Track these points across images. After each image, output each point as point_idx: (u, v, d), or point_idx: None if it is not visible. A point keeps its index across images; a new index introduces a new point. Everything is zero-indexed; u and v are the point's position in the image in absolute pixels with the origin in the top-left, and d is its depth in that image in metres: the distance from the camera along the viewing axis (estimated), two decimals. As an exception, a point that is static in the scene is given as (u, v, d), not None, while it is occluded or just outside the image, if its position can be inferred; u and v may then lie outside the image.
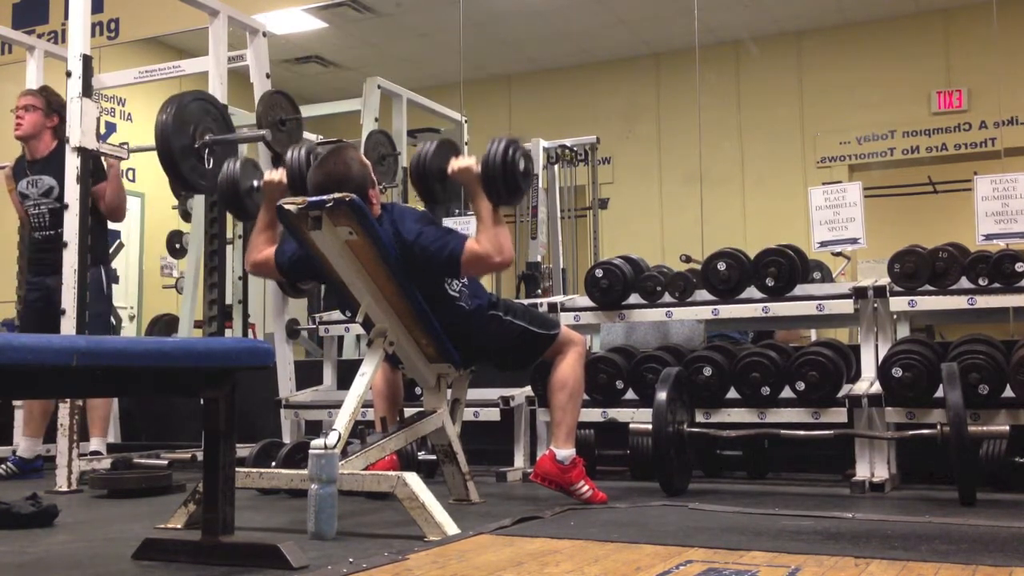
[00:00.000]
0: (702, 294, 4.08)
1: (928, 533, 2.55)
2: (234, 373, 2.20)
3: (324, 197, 2.75)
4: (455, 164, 3.11)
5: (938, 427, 3.29)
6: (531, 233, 6.89)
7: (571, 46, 9.02)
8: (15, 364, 1.72)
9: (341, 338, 5.18)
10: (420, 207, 3.34)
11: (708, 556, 2.21)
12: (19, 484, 3.96)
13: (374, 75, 6.11)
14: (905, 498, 3.37)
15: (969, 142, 7.89)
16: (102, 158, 4.32)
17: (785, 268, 3.91)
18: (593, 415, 4.00)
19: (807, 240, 4.41)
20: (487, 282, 7.09)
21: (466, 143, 6.58)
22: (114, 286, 4.89)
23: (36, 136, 4.49)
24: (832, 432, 3.50)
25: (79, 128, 3.86)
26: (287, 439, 4.34)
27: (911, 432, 3.43)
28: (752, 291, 4.00)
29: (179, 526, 2.69)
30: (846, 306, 3.79)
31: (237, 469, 2.34)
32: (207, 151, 4.01)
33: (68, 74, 3.87)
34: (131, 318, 8.18)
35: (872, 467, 3.57)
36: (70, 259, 3.83)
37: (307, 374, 4.87)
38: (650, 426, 3.45)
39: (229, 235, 4.76)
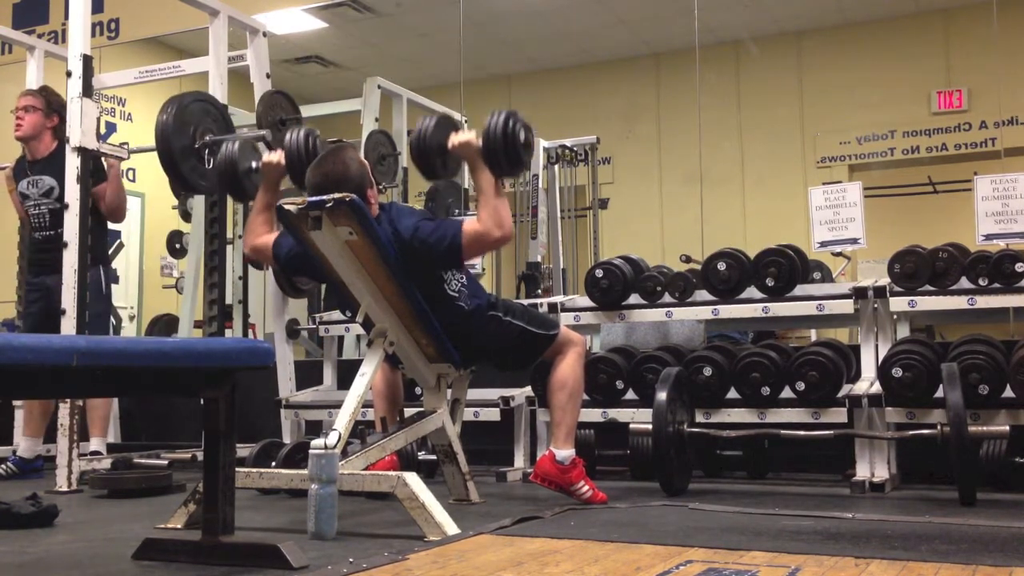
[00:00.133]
0: (702, 294, 4.08)
1: (928, 533, 2.55)
2: (234, 373, 2.20)
3: (324, 197, 2.75)
4: (455, 139, 3.10)
5: (938, 427, 3.29)
6: (531, 233, 6.90)
7: (571, 46, 9.02)
8: (15, 364, 1.72)
9: (341, 338, 5.18)
10: (420, 207, 3.34)
11: (708, 556, 2.21)
12: (19, 484, 3.96)
13: (374, 75, 6.11)
14: (905, 498, 3.37)
15: (969, 142, 7.89)
16: (102, 158, 4.32)
17: (785, 268, 3.91)
18: (593, 415, 3.99)
19: (807, 240, 4.42)
20: (487, 282, 7.11)
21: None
22: (114, 286, 4.89)
23: (36, 137, 4.49)
24: (832, 432, 3.50)
25: (79, 128, 3.86)
26: (287, 439, 4.34)
27: (911, 432, 3.43)
28: (752, 291, 4.00)
29: (179, 526, 2.69)
30: (846, 306, 3.79)
31: (237, 469, 2.34)
32: (207, 151, 4.01)
33: (68, 74, 3.87)
34: (131, 318, 8.18)
35: (872, 467, 3.57)
36: (70, 259, 3.83)
37: (307, 374, 4.87)
38: (650, 426, 3.45)
39: (229, 235, 4.76)
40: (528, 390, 4.12)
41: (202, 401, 2.21)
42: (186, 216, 6.20)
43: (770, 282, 3.92)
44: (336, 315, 4.64)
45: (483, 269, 6.13)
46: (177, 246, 6.69)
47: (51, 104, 4.48)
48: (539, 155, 7.02)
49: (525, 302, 4.12)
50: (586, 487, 3.21)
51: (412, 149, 3.17)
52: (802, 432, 3.53)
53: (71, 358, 1.80)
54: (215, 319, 4.44)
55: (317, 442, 2.60)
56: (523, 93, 9.24)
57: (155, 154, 3.99)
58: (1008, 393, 3.41)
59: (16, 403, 4.83)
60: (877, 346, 3.75)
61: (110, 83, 5.20)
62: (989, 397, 3.41)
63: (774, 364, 3.71)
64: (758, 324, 5.05)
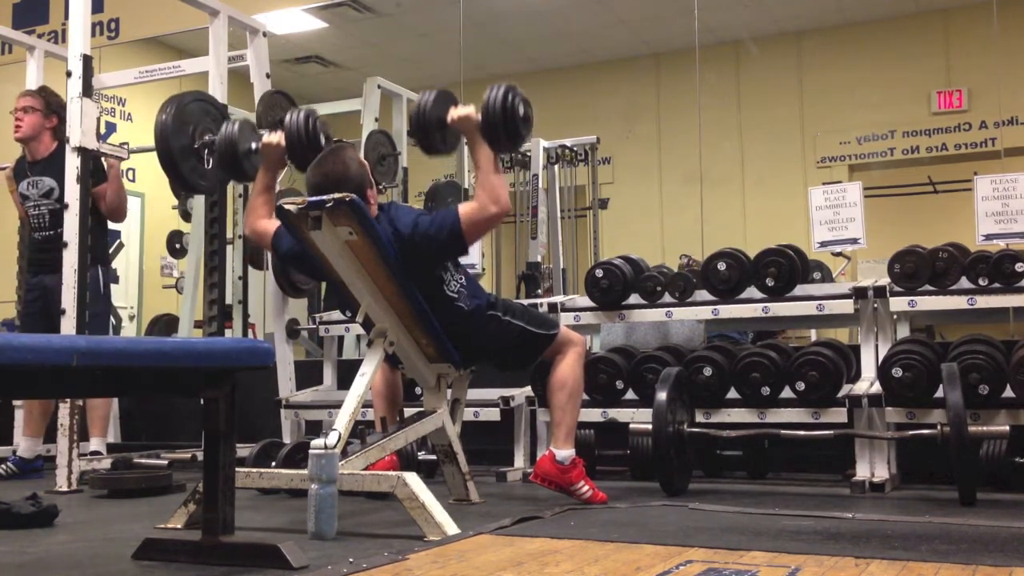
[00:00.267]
0: (702, 294, 4.08)
1: (928, 533, 2.55)
2: (234, 373, 2.20)
3: (324, 197, 2.75)
4: (455, 112, 3.09)
5: (938, 427, 3.29)
6: (531, 233, 6.90)
7: (571, 46, 9.02)
8: (15, 364, 1.72)
9: (341, 338, 5.18)
10: (420, 207, 3.34)
11: (708, 556, 2.21)
12: (19, 484, 3.96)
13: (374, 75, 6.11)
14: (905, 498, 3.37)
15: (969, 142, 7.89)
16: (102, 159, 4.32)
17: (785, 268, 3.91)
18: (593, 415, 3.99)
19: (807, 240, 4.41)
20: (487, 282, 7.11)
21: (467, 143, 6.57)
22: (114, 286, 4.89)
23: (36, 137, 4.49)
24: (832, 432, 3.50)
25: (79, 128, 3.86)
26: (287, 439, 4.34)
27: (911, 432, 3.43)
28: (752, 291, 4.00)
29: (179, 526, 2.69)
30: (846, 306, 3.79)
31: (237, 469, 2.34)
32: (207, 151, 4.01)
33: (68, 74, 3.87)
34: (131, 318, 8.18)
35: (872, 467, 3.57)
36: (70, 259, 3.83)
37: (307, 374, 4.87)
38: (650, 426, 3.45)
39: (229, 235, 4.76)
40: (528, 390, 4.12)
41: (202, 401, 2.21)
42: (186, 216, 6.20)
43: (770, 282, 3.92)
44: (336, 315, 4.64)
45: (483, 269, 6.13)
46: (177, 246, 6.69)
47: (50, 105, 4.48)
48: (539, 155, 7.02)
49: (525, 302, 4.12)
50: (586, 487, 3.21)
51: (412, 123, 3.14)
52: (802, 432, 3.53)
53: (71, 358, 1.80)
54: (215, 319, 4.44)
55: (317, 442, 2.60)
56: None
57: (155, 154, 3.99)
58: (1008, 393, 3.41)
59: (16, 403, 4.83)
60: (877, 346, 3.75)
61: (110, 83, 5.20)
62: (989, 397, 3.41)
63: (774, 364, 3.71)
64: (758, 324, 5.05)
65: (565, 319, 4.17)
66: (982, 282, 3.63)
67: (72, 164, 3.87)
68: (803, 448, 3.86)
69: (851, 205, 4.27)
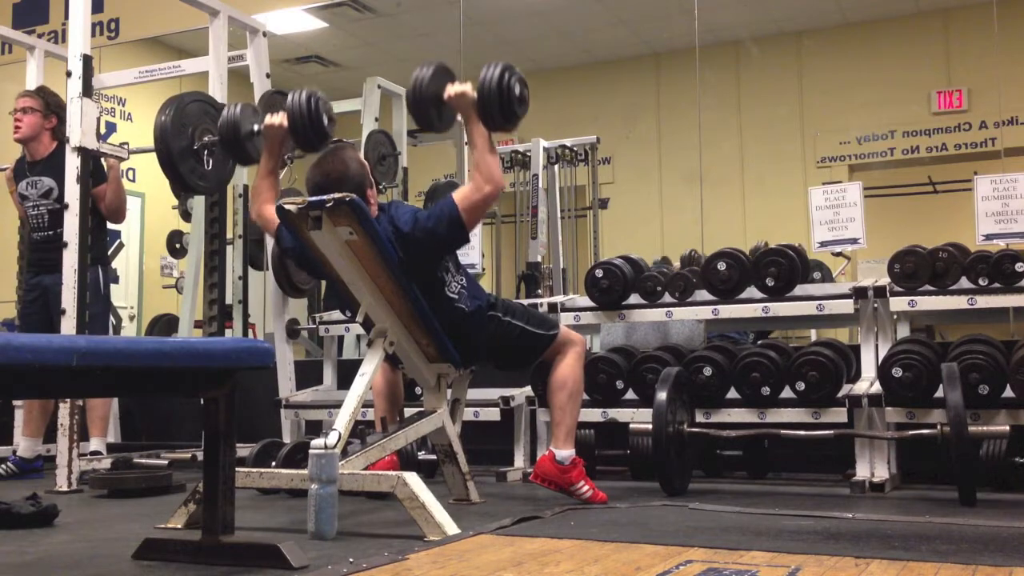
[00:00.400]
0: (702, 294, 4.08)
1: (928, 533, 2.55)
2: (234, 373, 2.20)
3: (324, 197, 2.75)
4: (451, 89, 3.07)
5: (938, 427, 3.29)
6: (531, 233, 6.90)
7: (571, 46, 9.02)
8: (15, 364, 1.72)
9: (341, 338, 5.18)
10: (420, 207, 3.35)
11: (708, 556, 2.21)
12: (19, 484, 3.96)
13: (374, 75, 6.11)
14: (905, 498, 3.37)
15: (969, 142, 7.89)
16: (102, 159, 4.32)
17: (785, 268, 3.91)
18: (593, 415, 3.99)
19: (807, 240, 4.41)
20: (487, 282, 7.11)
21: (467, 143, 6.57)
22: (114, 286, 4.89)
23: (35, 138, 4.49)
24: (832, 432, 3.50)
25: (79, 128, 3.86)
26: (287, 439, 4.34)
27: (911, 432, 3.43)
28: (752, 291, 4.00)
29: (179, 526, 2.69)
30: (846, 306, 3.79)
31: (237, 469, 2.34)
32: (206, 152, 4.01)
33: (68, 74, 3.87)
34: (131, 318, 8.18)
35: (872, 467, 3.57)
36: (70, 259, 3.83)
37: (307, 374, 4.87)
38: (650, 426, 3.45)
39: (229, 235, 4.76)
40: (528, 390, 4.12)
41: (202, 401, 2.21)
42: (186, 216, 6.20)
43: (770, 282, 3.92)
44: (336, 315, 4.64)
45: (483, 269, 6.13)
46: (177, 246, 6.69)
47: (49, 105, 4.48)
48: (539, 155, 7.02)
49: (525, 302, 4.12)
50: (586, 487, 3.21)
51: (408, 98, 3.12)
52: (802, 432, 3.53)
53: (71, 358, 1.80)
54: (215, 319, 4.44)
55: (317, 442, 2.60)
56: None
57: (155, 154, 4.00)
58: (1008, 393, 3.41)
59: (16, 403, 4.83)
60: (877, 346, 3.75)
61: (110, 83, 5.20)
62: (989, 397, 3.41)
63: (774, 364, 3.71)
64: (758, 324, 5.05)
65: (565, 319, 4.17)
66: (982, 282, 3.63)
67: (72, 164, 3.87)
68: (803, 448, 3.86)
69: (851, 205, 4.27)
